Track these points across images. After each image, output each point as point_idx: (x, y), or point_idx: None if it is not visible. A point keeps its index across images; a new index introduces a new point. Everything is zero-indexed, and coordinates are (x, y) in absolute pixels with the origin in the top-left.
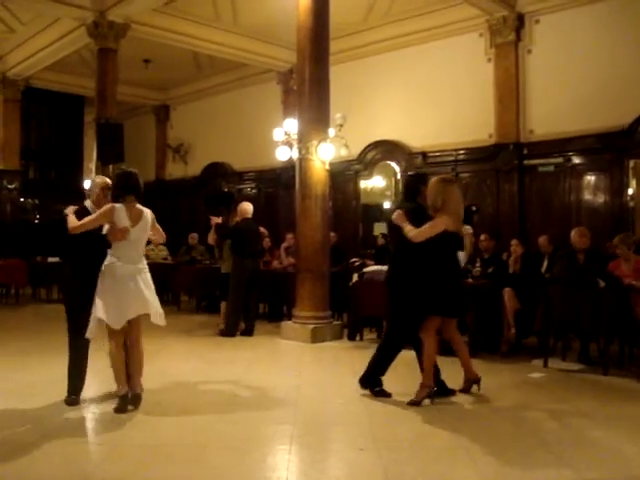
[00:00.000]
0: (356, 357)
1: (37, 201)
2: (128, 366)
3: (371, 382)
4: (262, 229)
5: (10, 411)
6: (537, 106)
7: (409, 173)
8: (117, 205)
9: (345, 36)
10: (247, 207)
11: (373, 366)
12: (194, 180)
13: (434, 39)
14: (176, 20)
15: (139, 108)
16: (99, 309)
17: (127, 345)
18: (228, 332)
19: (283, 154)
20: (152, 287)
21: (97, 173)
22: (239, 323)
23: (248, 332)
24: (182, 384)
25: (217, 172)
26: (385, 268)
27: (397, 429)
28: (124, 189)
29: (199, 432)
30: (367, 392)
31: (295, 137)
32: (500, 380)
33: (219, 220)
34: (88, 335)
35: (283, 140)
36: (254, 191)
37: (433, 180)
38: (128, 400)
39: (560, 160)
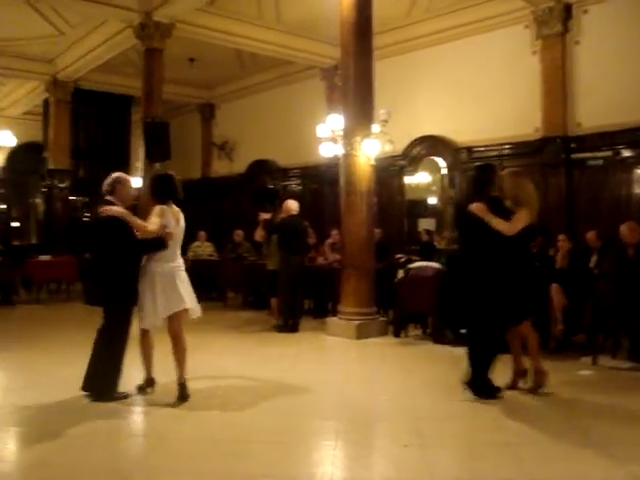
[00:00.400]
0: (401, 353)
1: (87, 199)
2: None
3: (484, 388)
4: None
5: (57, 404)
6: (585, 98)
7: (477, 164)
8: (164, 206)
9: (389, 31)
10: (292, 204)
11: (477, 372)
12: (239, 177)
13: (479, 32)
14: (220, 19)
15: (184, 106)
16: (144, 307)
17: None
18: (282, 327)
19: (328, 150)
20: (188, 284)
21: (144, 171)
22: (288, 319)
23: (293, 328)
24: (228, 379)
25: (262, 169)
26: (433, 264)
27: (442, 425)
28: (168, 192)
29: (244, 426)
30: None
31: (339, 133)
32: (548, 377)
33: (268, 216)
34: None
35: (327, 136)
36: (299, 187)
37: (505, 174)
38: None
39: (609, 153)
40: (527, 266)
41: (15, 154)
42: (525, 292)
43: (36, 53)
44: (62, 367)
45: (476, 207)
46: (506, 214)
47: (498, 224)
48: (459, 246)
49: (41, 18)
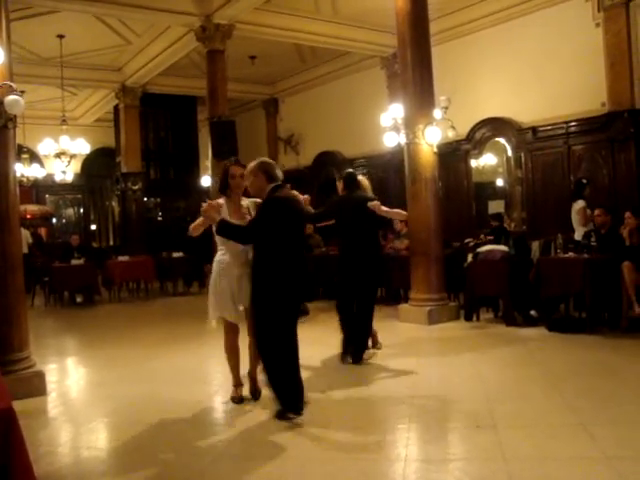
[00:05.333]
0: (473, 337)
1: (159, 200)
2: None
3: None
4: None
5: (148, 394)
6: None
7: (346, 171)
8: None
9: (445, 15)
10: None
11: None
12: (306, 169)
13: (538, 9)
14: (278, 16)
15: (249, 103)
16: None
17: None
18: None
19: (391, 140)
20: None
21: (213, 170)
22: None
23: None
24: (306, 368)
25: (328, 160)
26: (501, 247)
27: (514, 406)
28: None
29: (323, 411)
30: (483, 372)
31: (402, 122)
32: (621, 356)
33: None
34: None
35: (390, 125)
36: (365, 177)
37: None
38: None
39: None
40: None
41: (90, 160)
42: None
43: (105, 63)
44: (150, 361)
45: (379, 205)
46: None
47: (399, 214)
48: (347, 237)
49: (109, 30)
